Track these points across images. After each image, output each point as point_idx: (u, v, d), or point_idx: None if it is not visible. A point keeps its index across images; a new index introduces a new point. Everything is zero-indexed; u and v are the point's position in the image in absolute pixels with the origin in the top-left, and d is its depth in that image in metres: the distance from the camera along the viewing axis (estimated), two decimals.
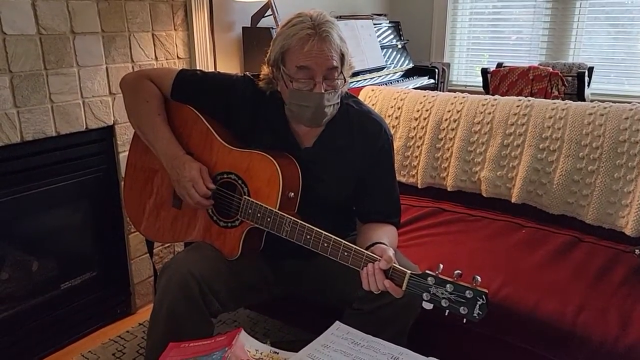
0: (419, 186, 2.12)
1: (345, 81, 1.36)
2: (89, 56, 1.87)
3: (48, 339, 1.94)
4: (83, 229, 2.06)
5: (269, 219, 1.30)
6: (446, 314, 1.09)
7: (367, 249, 1.24)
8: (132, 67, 2.02)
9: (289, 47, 1.29)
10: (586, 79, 3.03)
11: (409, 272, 1.13)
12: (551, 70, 3.03)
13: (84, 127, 1.90)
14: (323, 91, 1.30)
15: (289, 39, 1.29)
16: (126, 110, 1.52)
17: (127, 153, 1.60)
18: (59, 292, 1.98)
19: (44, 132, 1.78)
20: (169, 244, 2.29)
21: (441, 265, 1.11)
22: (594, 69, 3.19)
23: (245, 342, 1.14)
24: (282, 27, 1.33)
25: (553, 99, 2.89)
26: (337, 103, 1.38)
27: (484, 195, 1.98)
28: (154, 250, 2.24)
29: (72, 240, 2.04)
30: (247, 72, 1.51)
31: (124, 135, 2.03)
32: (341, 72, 1.33)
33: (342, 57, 1.32)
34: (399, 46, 3.59)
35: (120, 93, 1.58)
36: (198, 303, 1.30)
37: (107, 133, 2.01)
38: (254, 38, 2.61)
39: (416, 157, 2.13)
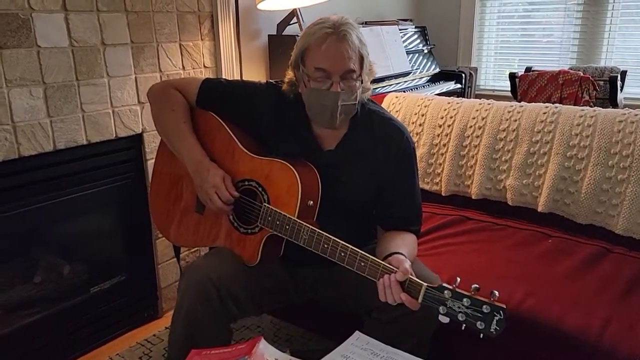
0: (443, 194, 2.10)
1: (362, 83, 1.37)
2: (118, 67, 1.92)
3: (77, 341, 2.00)
4: (112, 234, 2.12)
5: (287, 227, 1.32)
6: (463, 328, 1.08)
7: (384, 259, 1.24)
8: (160, 77, 2.07)
9: (308, 45, 1.32)
10: (619, 83, 2.95)
11: (425, 284, 1.13)
12: (582, 74, 2.96)
13: (114, 135, 1.96)
14: (339, 90, 1.31)
15: (308, 38, 1.32)
16: (153, 119, 1.56)
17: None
18: (89, 296, 2.04)
19: (75, 141, 1.84)
20: (195, 249, 2.33)
21: (458, 279, 1.10)
22: (628, 73, 3.10)
23: (265, 351, 1.15)
24: (305, 29, 1.36)
25: (584, 104, 2.85)
26: (354, 104, 1.38)
27: (510, 203, 1.95)
28: (181, 255, 2.28)
29: (101, 246, 2.10)
30: (271, 80, 1.54)
31: (152, 143, 2.08)
32: (360, 75, 1.34)
33: (362, 59, 1.33)
34: (425, 51, 3.57)
35: (148, 102, 1.62)
36: (216, 307, 1.33)
37: (136, 141, 2.06)
38: (279, 46, 2.63)
39: (440, 164, 2.11)
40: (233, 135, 1.46)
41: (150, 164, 2.08)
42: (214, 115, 1.50)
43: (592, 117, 1.85)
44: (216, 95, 1.51)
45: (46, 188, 1.81)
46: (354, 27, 1.33)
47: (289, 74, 1.43)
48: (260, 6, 2.38)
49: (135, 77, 1.99)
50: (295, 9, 2.58)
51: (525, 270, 1.60)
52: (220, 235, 1.47)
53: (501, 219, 1.94)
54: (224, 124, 1.48)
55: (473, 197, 2.03)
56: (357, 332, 1.23)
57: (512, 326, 1.10)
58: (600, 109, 1.89)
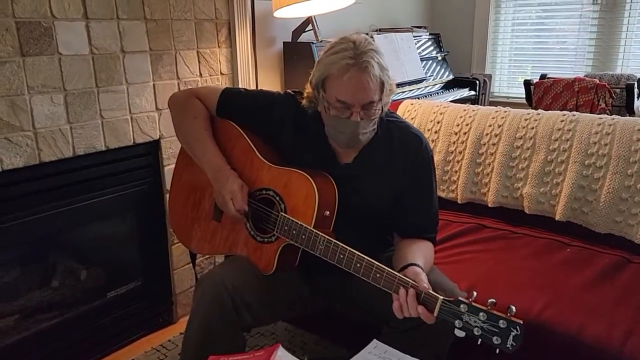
0: (459, 201, 2.09)
1: (383, 109, 1.36)
2: (137, 74, 1.94)
3: (93, 346, 2.01)
4: (129, 239, 2.13)
5: (303, 237, 1.32)
6: (478, 342, 1.07)
7: (400, 270, 1.23)
8: (178, 84, 2.09)
9: (329, 74, 1.30)
10: (636, 90, 2.92)
11: (441, 298, 1.12)
12: (598, 81, 2.94)
13: (132, 141, 1.98)
14: (359, 119, 1.31)
15: (329, 67, 1.30)
16: (174, 126, 1.58)
17: (171, 166, 1.66)
18: (105, 301, 2.05)
19: (94, 147, 1.86)
20: (210, 256, 2.34)
21: (475, 293, 1.09)
22: None
23: (283, 358, 1.15)
24: (325, 52, 1.34)
25: (600, 112, 2.82)
26: (373, 129, 1.39)
27: (527, 212, 1.93)
28: (196, 261, 2.29)
29: (118, 251, 2.12)
30: (289, 90, 1.54)
31: (169, 149, 2.10)
32: (380, 100, 1.33)
33: (382, 86, 1.32)
34: (439, 58, 3.57)
35: (166, 108, 1.64)
36: (230, 316, 1.33)
37: (153, 147, 2.08)
38: (294, 53, 2.65)
39: (456, 172, 2.10)
40: (252, 145, 1.47)
41: (167, 169, 2.10)
42: (233, 124, 1.51)
43: (610, 125, 1.84)
44: (236, 105, 1.53)
45: (65, 193, 1.84)
46: (375, 52, 1.30)
47: (308, 90, 1.42)
48: (276, 14, 2.39)
49: (154, 84, 2.01)
50: (311, 17, 2.59)
51: (543, 280, 1.58)
52: (237, 244, 1.47)
53: (518, 227, 1.93)
54: (243, 133, 1.49)
55: (489, 205, 2.01)
56: (375, 340, 1.23)
57: (531, 337, 1.09)
58: (619, 117, 1.88)
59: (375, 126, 1.39)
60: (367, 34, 3.00)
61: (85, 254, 2.03)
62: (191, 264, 2.17)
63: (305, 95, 1.43)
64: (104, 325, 2.04)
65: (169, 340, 2.13)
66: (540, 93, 3.12)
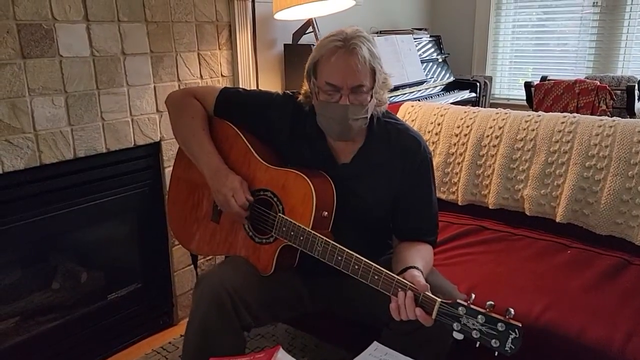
0: (460, 203, 2.09)
1: (374, 96, 1.35)
2: (138, 76, 1.95)
3: (94, 348, 2.01)
4: (129, 241, 2.13)
5: (301, 238, 1.32)
6: (477, 345, 1.07)
7: (399, 273, 1.23)
8: (179, 86, 2.09)
9: (319, 58, 1.32)
10: (636, 92, 2.92)
11: (439, 300, 1.12)
12: (598, 83, 2.94)
13: (132, 143, 1.98)
14: (348, 103, 1.31)
15: (319, 51, 1.32)
16: (172, 126, 1.58)
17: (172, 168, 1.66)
18: (105, 303, 2.05)
19: (95, 149, 1.86)
20: (211, 257, 2.34)
21: (473, 295, 1.09)
22: None
23: None
24: (319, 41, 1.36)
25: (600, 114, 2.82)
26: (366, 118, 1.37)
27: (527, 213, 1.93)
28: (197, 263, 2.29)
29: (118, 253, 2.12)
30: (287, 90, 1.55)
31: (170, 151, 2.10)
32: (371, 88, 1.33)
33: (373, 73, 1.32)
34: (440, 60, 3.57)
35: (166, 110, 1.64)
36: (230, 316, 1.33)
37: (154, 149, 2.08)
38: (295, 55, 2.65)
39: (456, 173, 2.10)
40: (249, 145, 1.47)
41: (168, 171, 2.10)
42: (230, 124, 1.52)
43: (611, 127, 1.83)
44: (233, 105, 1.53)
45: (66, 195, 1.84)
46: (366, 39, 1.31)
47: (305, 86, 1.43)
48: (277, 16, 2.40)
49: (154, 86, 2.01)
50: (311, 19, 2.60)
51: (544, 282, 1.58)
52: (236, 245, 1.47)
53: (519, 229, 1.92)
54: (240, 133, 1.50)
55: (490, 207, 2.01)
56: (375, 342, 1.22)
57: (531, 339, 1.09)
58: (620, 118, 1.88)
59: (367, 115, 1.37)
60: None
61: (85, 256, 2.03)
62: (192, 266, 2.18)
63: (302, 92, 1.44)
64: (104, 327, 2.03)
65: (170, 342, 2.12)
66: (541, 95, 3.12)
